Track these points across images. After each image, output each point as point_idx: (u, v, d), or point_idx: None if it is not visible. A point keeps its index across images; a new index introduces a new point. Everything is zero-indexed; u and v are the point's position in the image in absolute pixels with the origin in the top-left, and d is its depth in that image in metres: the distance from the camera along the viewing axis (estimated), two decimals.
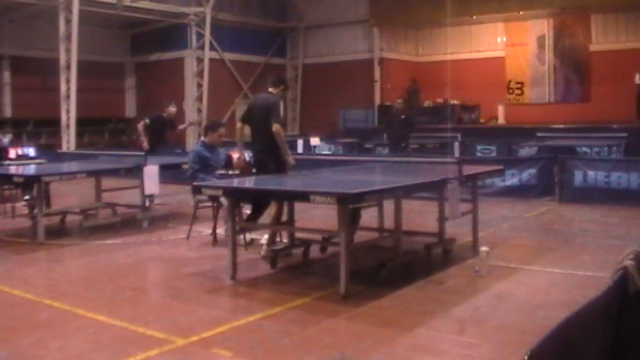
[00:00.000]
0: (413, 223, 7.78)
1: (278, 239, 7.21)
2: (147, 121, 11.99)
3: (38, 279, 6.50)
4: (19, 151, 10.83)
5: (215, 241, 7.58)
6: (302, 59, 25.38)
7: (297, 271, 6.41)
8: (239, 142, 7.48)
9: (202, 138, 8.56)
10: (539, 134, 17.56)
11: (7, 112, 20.39)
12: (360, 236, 7.07)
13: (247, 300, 5.47)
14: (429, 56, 24.63)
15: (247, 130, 7.42)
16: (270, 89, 7.32)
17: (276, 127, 6.90)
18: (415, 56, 25.22)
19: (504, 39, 23.33)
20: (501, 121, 21.58)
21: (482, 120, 22.01)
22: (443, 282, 5.91)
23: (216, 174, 7.91)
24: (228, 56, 23.17)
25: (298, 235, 6.96)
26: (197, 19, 21.85)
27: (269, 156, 7.05)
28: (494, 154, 16.32)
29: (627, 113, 18.82)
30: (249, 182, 7.19)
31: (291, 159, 7.30)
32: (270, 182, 6.64)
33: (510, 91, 23.02)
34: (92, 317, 4.93)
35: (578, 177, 10.59)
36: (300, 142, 16.66)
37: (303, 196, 5.63)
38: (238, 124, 7.36)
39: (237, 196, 6.38)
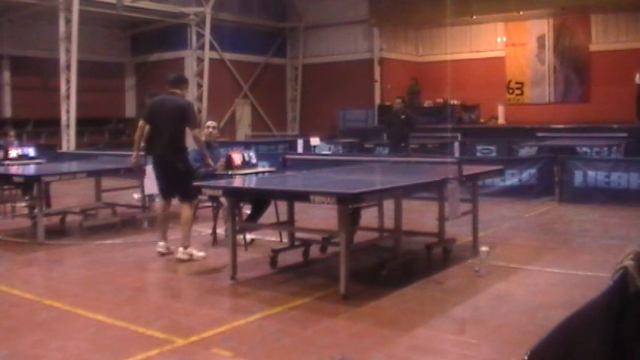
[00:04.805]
0: (413, 223, 7.78)
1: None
2: None
3: (38, 279, 6.50)
4: (19, 151, 10.84)
5: (215, 241, 7.59)
6: (302, 59, 25.39)
7: (297, 271, 6.41)
8: (137, 141, 7.24)
9: (203, 137, 8.56)
10: (539, 134, 17.58)
11: (7, 112, 20.41)
12: (360, 236, 7.07)
13: (247, 300, 5.47)
14: (429, 56, 24.64)
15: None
16: (173, 90, 7.09)
17: (196, 132, 6.92)
18: (415, 56, 25.22)
19: (504, 39, 23.33)
20: (501, 121, 21.58)
21: (482, 120, 22.01)
22: (443, 282, 5.91)
23: (209, 170, 7.85)
24: (228, 56, 23.18)
25: (298, 235, 6.96)
26: (197, 19, 21.86)
27: (179, 158, 6.97)
28: (494, 154, 16.32)
29: (627, 113, 18.82)
30: (249, 182, 7.21)
31: (211, 162, 7.38)
32: (271, 182, 6.64)
33: (510, 91, 23.02)
34: (92, 317, 4.93)
35: (578, 177, 10.59)
36: (300, 142, 16.68)
37: (303, 196, 5.63)
38: (141, 123, 7.12)
39: (237, 196, 6.39)
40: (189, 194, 6.92)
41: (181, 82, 7.23)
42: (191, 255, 6.85)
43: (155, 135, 7.01)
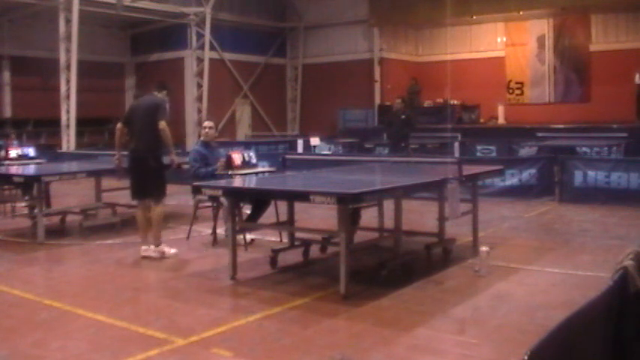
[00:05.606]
0: (413, 223, 7.78)
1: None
2: None
3: (38, 279, 6.51)
4: (19, 151, 10.83)
5: (215, 241, 7.59)
6: (302, 59, 25.38)
7: (297, 271, 6.41)
8: (118, 143, 7.41)
9: (201, 137, 8.59)
10: (539, 134, 17.57)
11: (7, 112, 20.39)
12: (360, 236, 7.07)
13: (247, 300, 5.47)
14: (429, 56, 24.63)
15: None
16: (154, 92, 7.35)
17: (162, 124, 6.97)
18: (415, 56, 25.22)
19: (504, 39, 23.32)
20: (501, 121, 21.56)
21: (482, 120, 21.99)
22: (443, 282, 5.91)
23: (209, 169, 7.84)
24: (228, 56, 23.18)
25: (298, 235, 6.96)
26: (197, 19, 21.85)
27: (150, 154, 7.04)
28: (494, 154, 16.32)
29: (627, 113, 18.81)
30: (249, 182, 7.21)
31: (176, 157, 7.48)
32: (271, 182, 6.64)
33: (510, 91, 23.01)
34: (92, 317, 4.93)
35: (578, 177, 10.59)
36: (300, 142, 16.67)
37: (303, 196, 5.63)
38: (119, 125, 7.28)
39: (237, 196, 6.39)
40: (160, 193, 7.06)
41: (162, 87, 7.47)
42: (163, 253, 6.96)
43: (132, 133, 7.15)
